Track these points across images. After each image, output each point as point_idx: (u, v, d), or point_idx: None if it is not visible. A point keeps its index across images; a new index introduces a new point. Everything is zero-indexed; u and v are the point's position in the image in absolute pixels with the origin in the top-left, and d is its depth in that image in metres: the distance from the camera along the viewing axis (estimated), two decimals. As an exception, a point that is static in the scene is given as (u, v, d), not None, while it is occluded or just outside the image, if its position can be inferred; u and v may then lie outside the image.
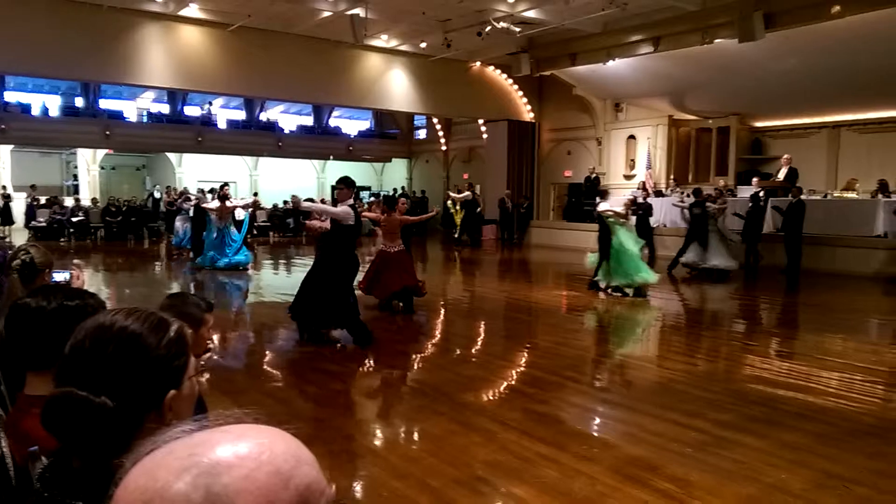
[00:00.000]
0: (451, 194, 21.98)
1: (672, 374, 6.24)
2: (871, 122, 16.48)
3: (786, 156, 15.66)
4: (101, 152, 24.71)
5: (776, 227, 14.21)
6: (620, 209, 10.46)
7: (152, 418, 1.03)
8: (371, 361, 6.81)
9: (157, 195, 16.52)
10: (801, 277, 12.72)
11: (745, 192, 14.97)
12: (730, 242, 13.14)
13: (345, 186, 7.14)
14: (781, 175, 15.30)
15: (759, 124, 18.61)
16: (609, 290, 10.51)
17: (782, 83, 15.57)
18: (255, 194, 19.96)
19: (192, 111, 26.21)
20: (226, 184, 14.58)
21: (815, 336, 8.39)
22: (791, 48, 14.24)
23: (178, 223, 18.01)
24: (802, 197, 13.37)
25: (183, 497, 0.57)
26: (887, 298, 11.29)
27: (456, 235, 21.29)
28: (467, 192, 20.50)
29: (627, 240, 10.39)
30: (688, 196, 14.68)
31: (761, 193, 14.49)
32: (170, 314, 1.83)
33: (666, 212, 17.18)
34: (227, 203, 13.60)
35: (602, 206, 10.52)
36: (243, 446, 0.61)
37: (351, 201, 7.11)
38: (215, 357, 6.36)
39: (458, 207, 21.39)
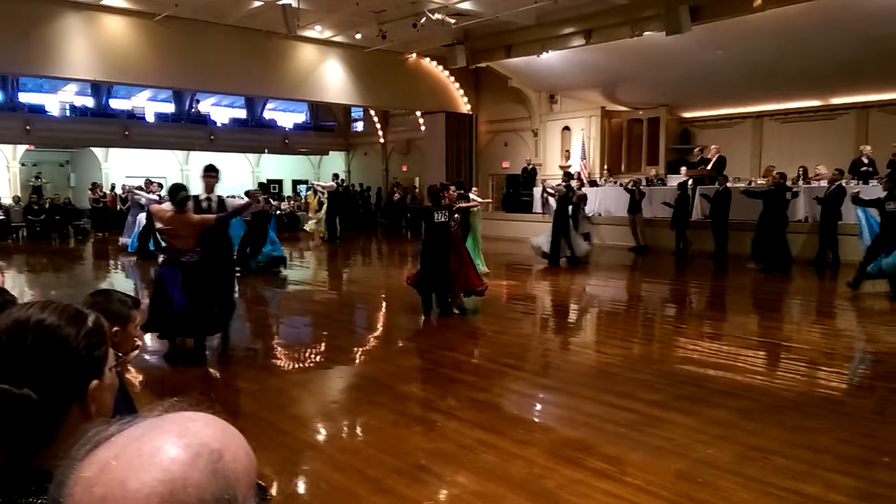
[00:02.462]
0: (314, 182, 20.14)
1: (607, 357, 6.42)
2: (791, 112, 17.24)
3: (714, 146, 16.23)
4: (22, 148, 23.59)
5: (704, 214, 14.72)
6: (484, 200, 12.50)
7: (76, 409, 1.04)
8: (310, 356, 6.77)
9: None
10: (728, 262, 13.22)
11: (675, 181, 15.45)
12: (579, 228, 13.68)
13: (216, 175, 6.75)
14: (710, 161, 15.84)
15: (687, 115, 19.21)
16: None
17: (708, 75, 16.11)
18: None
19: (117, 104, 25.28)
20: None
21: (740, 317, 8.76)
22: (716, 41, 14.73)
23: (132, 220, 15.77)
24: (728, 185, 13.88)
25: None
26: (807, 280, 11.86)
27: (322, 236, 18.81)
28: (332, 183, 18.51)
29: (477, 230, 11.82)
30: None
31: (689, 182, 14.97)
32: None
33: (601, 201, 17.59)
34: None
35: (472, 196, 11.69)
36: (181, 446, 0.62)
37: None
38: (148, 357, 6.20)
39: (322, 199, 18.86)
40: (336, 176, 19.60)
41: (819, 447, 4.07)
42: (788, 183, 13.06)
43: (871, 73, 14.33)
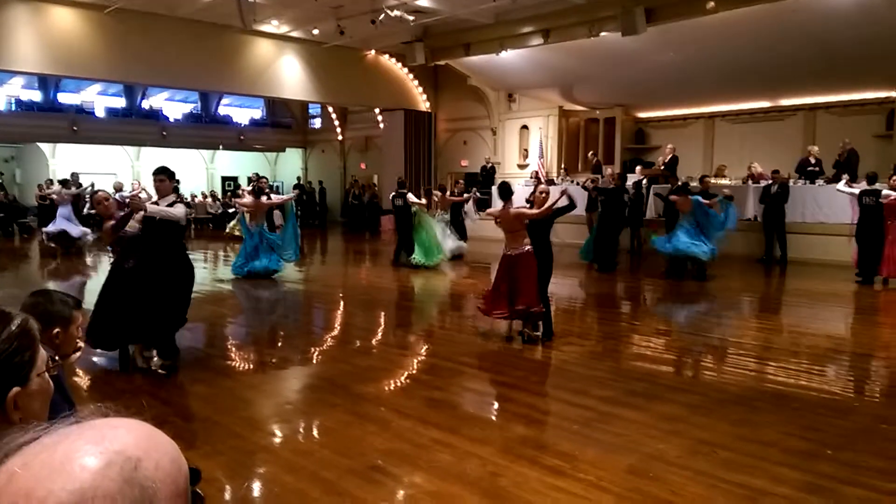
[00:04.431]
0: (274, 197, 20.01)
1: (562, 354, 6.48)
2: (742, 113, 17.66)
3: (669, 145, 16.54)
4: (-36, 142, 22.78)
5: (658, 212, 14.98)
6: (422, 200, 13.54)
7: None
8: (264, 357, 6.67)
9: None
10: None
11: (630, 180, 15.67)
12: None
13: (167, 178, 5.89)
14: (666, 160, 16.15)
15: (642, 115, 19.52)
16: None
17: (663, 75, 16.38)
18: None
19: (65, 98, 24.54)
20: (262, 176, 13.46)
21: (691, 314, 8.94)
22: (670, 42, 14.99)
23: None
24: (680, 184, 14.13)
25: None
26: (755, 277, 12.18)
27: None
28: (293, 193, 16.59)
29: (429, 226, 13.16)
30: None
31: (643, 181, 15.22)
32: (34, 313, 1.72)
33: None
34: (264, 199, 11.50)
35: (410, 198, 13.14)
36: (99, 455, 0.60)
37: (174, 196, 5.97)
38: (95, 359, 6.03)
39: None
40: (299, 185, 19.39)
41: (765, 441, 4.17)
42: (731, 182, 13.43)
43: (818, 75, 14.76)
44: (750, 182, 15.04)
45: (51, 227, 15.05)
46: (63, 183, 16.20)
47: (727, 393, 5.18)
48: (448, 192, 15.15)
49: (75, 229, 14.92)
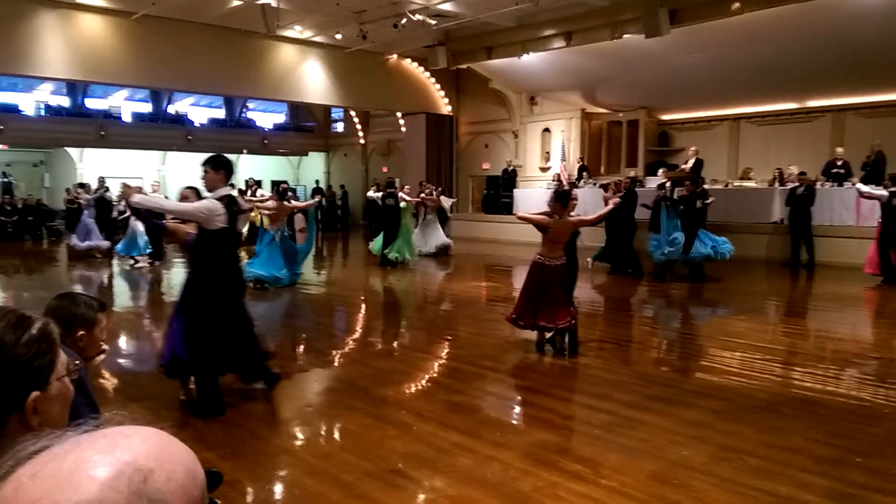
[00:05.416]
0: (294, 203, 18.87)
1: (584, 358, 6.42)
2: (768, 115, 17.43)
3: (692, 148, 16.36)
4: (-5, 148, 23.21)
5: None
6: (413, 198, 14.38)
7: (13, 422, 0.99)
8: (287, 359, 6.70)
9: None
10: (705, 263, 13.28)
11: (653, 183, 15.53)
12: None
13: (211, 169, 4.68)
14: (690, 163, 15.97)
15: (665, 117, 19.34)
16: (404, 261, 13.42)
17: (687, 77, 16.23)
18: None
19: (93, 104, 24.94)
20: (283, 181, 13.77)
21: (716, 318, 8.83)
22: (695, 44, 14.85)
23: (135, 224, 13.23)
24: (706, 187, 13.96)
25: None
26: (781, 281, 11.99)
27: None
28: (315, 200, 15.58)
29: (410, 224, 14.13)
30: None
31: (667, 184, 15.04)
32: (57, 315, 1.72)
33: (580, 203, 17.58)
34: (285, 203, 11.13)
35: (402, 196, 13.79)
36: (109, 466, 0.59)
37: (227, 191, 4.75)
38: (120, 361, 6.10)
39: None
40: (319, 189, 19.42)
41: (793, 447, 4.09)
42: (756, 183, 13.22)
43: (846, 76, 14.52)
44: (776, 184, 14.83)
45: (76, 241, 15.29)
46: (82, 186, 16.52)
47: (753, 398, 5.09)
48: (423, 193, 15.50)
49: (92, 240, 15.08)
